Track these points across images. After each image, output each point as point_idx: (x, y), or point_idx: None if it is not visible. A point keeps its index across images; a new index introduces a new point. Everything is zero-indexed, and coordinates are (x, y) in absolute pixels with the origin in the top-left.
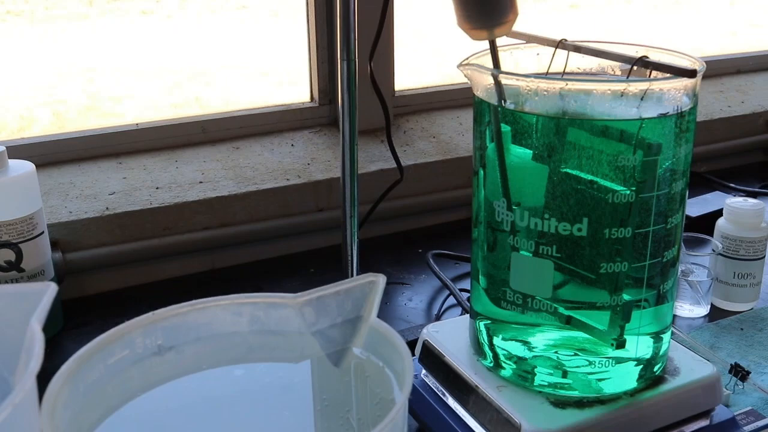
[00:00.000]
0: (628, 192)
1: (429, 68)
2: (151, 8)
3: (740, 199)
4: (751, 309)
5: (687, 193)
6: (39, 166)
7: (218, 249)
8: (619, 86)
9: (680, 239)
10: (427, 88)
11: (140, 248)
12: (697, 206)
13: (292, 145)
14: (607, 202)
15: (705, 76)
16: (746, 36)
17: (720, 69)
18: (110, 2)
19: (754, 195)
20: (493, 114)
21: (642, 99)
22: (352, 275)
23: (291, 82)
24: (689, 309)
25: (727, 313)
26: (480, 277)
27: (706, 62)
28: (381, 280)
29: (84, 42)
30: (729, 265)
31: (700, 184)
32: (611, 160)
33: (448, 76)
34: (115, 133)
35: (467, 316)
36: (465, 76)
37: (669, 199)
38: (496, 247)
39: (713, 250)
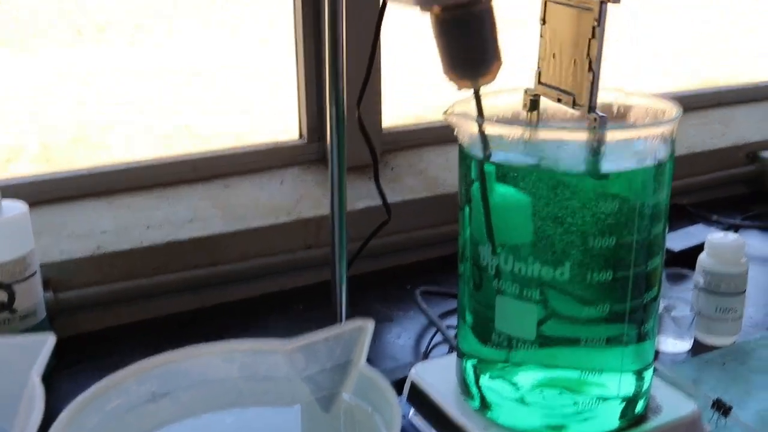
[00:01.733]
0: (607, 238)
1: (419, 98)
2: (140, 38)
3: (721, 234)
4: (734, 343)
5: (666, 234)
6: (31, 204)
7: (208, 287)
8: (600, 136)
9: (660, 279)
10: (414, 124)
11: (131, 287)
12: (679, 240)
13: (282, 182)
14: (587, 248)
15: (687, 109)
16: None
17: (702, 102)
18: (100, 31)
19: (736, 227)
20: (477, 163)
21: (620, 149)
22: (341, 315)
23: (280, 110)
24: (673, 343)
25: (710, 347)
26: (466, 314)
27: (688, 96)
28: (370, 325)
29: (73, 71)
30: (711, 300)
31: (683, 216)
32: (591, 207)
33: (437, 109)
34: (107, 172)
35: (455, 354)
36: (450, 123)
37: (648, 243)
38: (482, 285)
39: (695, 285)
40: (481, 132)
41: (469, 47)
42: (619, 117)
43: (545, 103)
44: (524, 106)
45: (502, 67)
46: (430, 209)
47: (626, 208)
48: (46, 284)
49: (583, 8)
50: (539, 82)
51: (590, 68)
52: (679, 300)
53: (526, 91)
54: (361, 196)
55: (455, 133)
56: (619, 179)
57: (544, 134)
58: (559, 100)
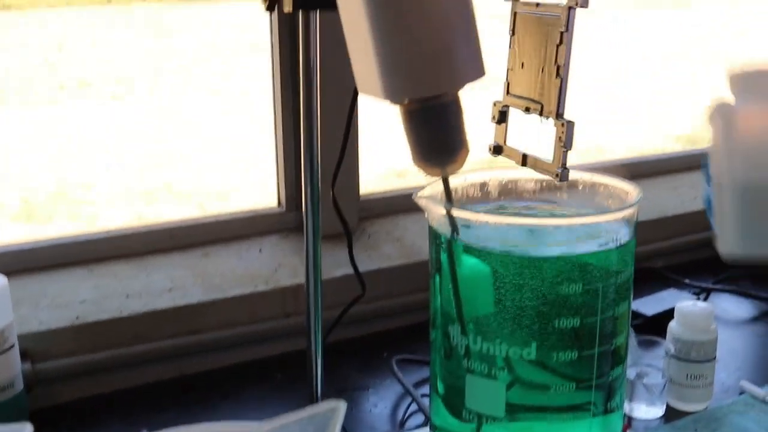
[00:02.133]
0: (572, 318)
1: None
2: (121, 93)
3: (690, 302)
4: (705, 408)
5: (630, 313)
6: (9, 273)
7: (187, 356)
8: (563, 221)
9: (626, 355)
10: (391, 191)
11: (110, 356)
12: (652, 305)
13: (260, 250)
14: (553, 328)
15: (659, 174)
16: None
17: (672, 166)
18: (81, 87)
19: (707, 291)
20: (446, 244)
21: (584, 233)
22: (316, 387)
23: (259, 168)
24: (645, 410)
25: (682, 414)
26: (438, 383)
27: (659, 160)
28: (342, 406)
29: (54, 126)
30: (682, 367)
31: (656, 279)
32: (555, 289)
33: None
34: (87, 241)
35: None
36: (420, 206)
37: (613, 322)
38: (452, 355)
39: (666, 353)
40: (450, 216)
41: (436, 137)
42: (584, 196)
43: (513, 176)
44: (493, 118)
45: (470, 154)
46: (407, 277)
47: (590, 289)
48: (24, 355)
49: (551, 16)
50: (508, 93)
51: (558, 74)
52: (650, 367)
53: (494, 104)
54: (340, 264)
55: (425, 215)
56: (583, 262)
57: (510, 219)
58: (527, 109)
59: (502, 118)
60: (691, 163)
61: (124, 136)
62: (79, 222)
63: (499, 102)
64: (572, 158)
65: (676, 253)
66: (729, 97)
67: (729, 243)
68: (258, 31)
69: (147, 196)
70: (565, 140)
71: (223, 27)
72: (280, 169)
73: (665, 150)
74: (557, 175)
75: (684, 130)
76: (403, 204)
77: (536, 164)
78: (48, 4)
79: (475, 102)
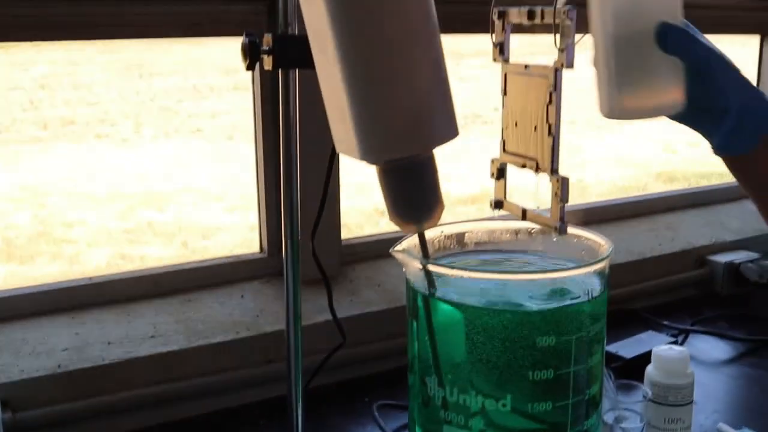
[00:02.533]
0: (545, 371)
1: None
2: (105, 132)
3: (666, 347)
4: None
5: (604, 363)
6: None
7: (169, 403)
8: (536, 276)
9: (601, 403)
10: (372, 236)
11: (92, 404)
12: (631, 347)
13: (242, 296)
14: (528, 380)
15: (636, 215)
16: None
17: (650, 207)
18: (64, 126)
19: (686, 332)
20: (422, 300)
21: (557, 286)
22: None
23: (243, 207)
24: None
25: None
26: (417, 429)
27: (637, 201)
28: None
29: (37, 166)
30: (659, 411)
31: (635, 320)
32: (529, 342)
33: None
34: (69, 288)
35: None
36: (397, 259)
37: (587, 372)
38: (429, 403)
39: (644, 396)
40: (426, 271)
41: (412, 195)
42: (558, 247)
43: (489, 227)
44: (492, 175)
45: (444, 209)
46: (388, 322)
47: (563, 341)
48: (5, 404)
49: (540, 76)
50: (504, 151)
51: (550, 132)
52: (629, 411)
53: (492, 161)
54: (322, 310)
55: (403, 269)
56: (556, 315)
57: (484, 275)
58: (523, 166)
59: (500, 174)
60: (668, 204)
61: (106, 175)
62: (61, 261)
63: (497, 159)
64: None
65: (654, 294)
66: None
67: (606, 102)
68: (241, 71)
69: (130, 236)
70: (561, 195)
71: (205, 67)
72: (262, 216)
73: (647, 186)
74: (556, 229)
75: (663, 167)
76: (384, 248)
77: (536, 218)
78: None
79: None
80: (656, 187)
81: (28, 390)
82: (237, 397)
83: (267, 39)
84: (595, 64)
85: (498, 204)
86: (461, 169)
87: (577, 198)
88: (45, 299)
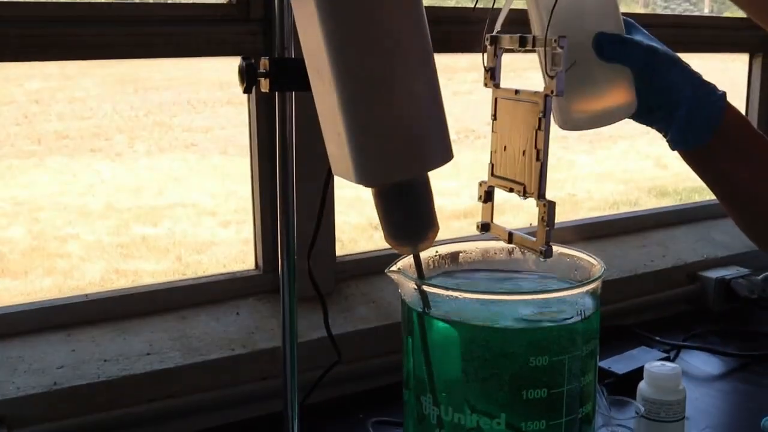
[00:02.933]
0: (539, 390)
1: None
2: (100, 146)
3: (658, 363)
4: None
5: (596, 382)
6: None
7: (165, 421)
8: (529, 296)
9: (594, 421)
10: (367, 252)
11: (88, 422)
12: (623, 363)
13: (238, 313)
14: (521, 399)
15: (628, 231)
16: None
17: (641, 223)
18: (58, 140)
19: (677, 348)
20: (417, 320)
21: (548, 307)
22: None
23: (237, 221)
24: None
25: None
26: None
27: (628, 218)
28: None
29: (30, 180)
30: (652, 427)
31: (627, 336)
32: (523, 361)
33: None
34: (64, 305)
35: None
36: (392, 279)
37: (579, 391)
38: (424, 421)
39: (636, 412)
40: (421, 291)
41: (407, 217)
42: (551, 267)
43: (483, 246)
44: (479, 198)
45: (438, 232)
46: (383, 338)
47: (556, 361)
48: (1, 421)
49: (529, 102)
50: (492, 175)
51: (538, 158)
52: (621, 427)
53: (480, 184)
54: (317, 327)
55: (399, 289)
56: (549, 335)
57: (478, 295)
58: (510, 190)
59: (488, 197)
60: (659, 220)
61: (100, 189)
62: (55, 276)
63: (485, 182)
64: None
65: (645, 310)
66: None
67: (558, 114)
68: (235, 86)
69: (123, 250)
70: (548, 220)
71: (199, 82)
72: (257, 233)
73: (638, 201)
74: (541, 253)
75: (654, 182)
76: (379, 265)
77: (522, 242)
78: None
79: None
80: (647, 201)
81: (24, 407)
82: (233, 414)
83: (264, 62)
84: (543, 77)
85: (485, 227)
86: (455, 183)
87: (568, 213)
88: (41, 316)
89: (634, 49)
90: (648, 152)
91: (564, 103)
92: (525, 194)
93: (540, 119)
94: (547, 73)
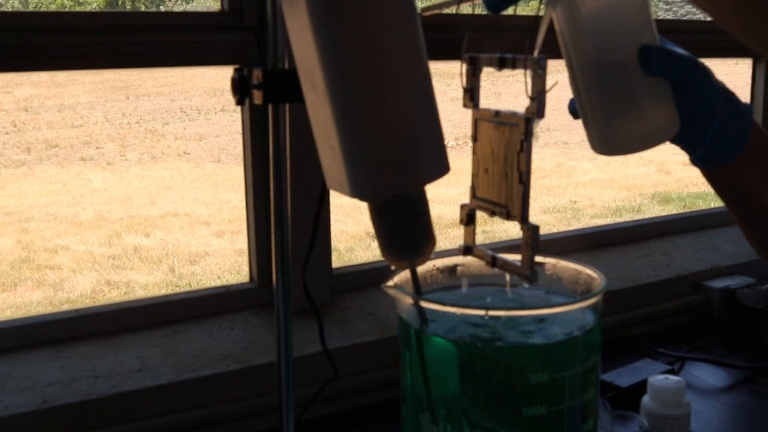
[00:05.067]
0: (539, 407)
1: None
2: (90, 155)
3: (662, 377)
4: None
5: (598, 398)
6: None
7: None
8: (528, 312)
9: None
10: (363, 264)
11: None
12: (627, 376)
13: (232, 328)
14: (521, 415)
15: (631, 241)
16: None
17: (644, 232)
18: (48, 149)
19: (682, 360)
20: (415, 336)
21: (548, 322)
22: None
23: (232, 231)
24: None
25: None
26: None
27: (630, 227)
28: None
29: (20, 190)
30: None
31: (631, 348)
32: (522, 378)
33: None
34: (54, 321)
35: None
36: (389, 295)
37: (581, 407)
38: None
39: (640, 427)
40: (418, 307)
41: (403, 232)
42: (551, 281)
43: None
44: (461, 221)
45: (435, 246)
46: (380, 352)
47: (557, 377)
48: None
49: (510, 124)
50: (474, 197)
51: (521, 181)
52: None
53: (462, 207)
54: (313, 341)
55: (396, 305)
56: (549, 351)
57: (476, 311)
58: (493, 213)
59: (469, 220)
60: (662, 229)
61: (91, 199)
62: (45, 288)
63: (467, 205)
64: (550, 219)
65: (649, 321)
66: None
67: (598, 138)
68: (228, 93)
69: (115, 261)
70: (532, 244)
71: (192, 89)
72: (252, 245)
73: (641, 207)
74: (526, 278)
75: (657, 188)
76: (376, 278)
77: (506, 266)
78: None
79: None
80: (651, 208)
81: (13, 426)
82: (227, 430)
83: (257, 74)
84: (580, 103)
85: (467, 250)
86: (454, 191)
87: (570, 220)
88: (30, 332)
89: (679, 61)
90: (651, 157)
91: (606, 125)
92: (508, 217)
93: (522, 142)
94: (528, 95)
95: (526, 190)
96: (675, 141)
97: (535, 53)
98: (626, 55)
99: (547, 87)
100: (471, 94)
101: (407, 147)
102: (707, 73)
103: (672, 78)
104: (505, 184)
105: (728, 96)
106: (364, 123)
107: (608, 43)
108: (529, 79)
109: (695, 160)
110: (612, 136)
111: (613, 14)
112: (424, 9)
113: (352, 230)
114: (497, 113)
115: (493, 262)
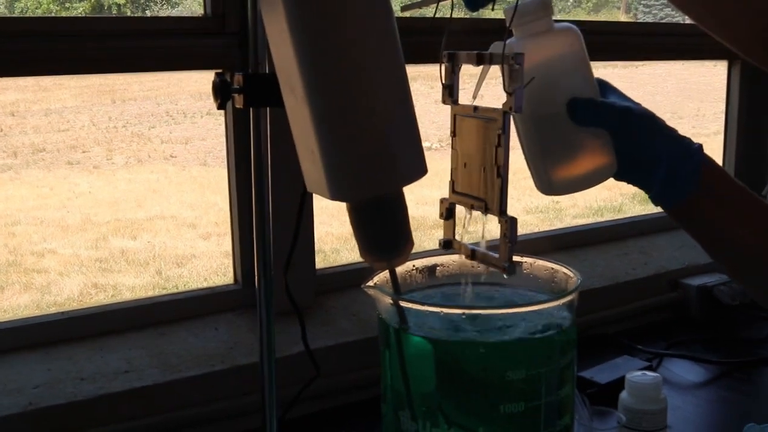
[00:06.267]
0: (516, 404)
1: None
2: (77, 159)
3: (639, 373)
4: None
5: (574, 394)
6: None
7: None
8: (504, 310)
9: None
10: (347, 265)
11: None
12: (605, 373)
13: (216, 329)
14: (499, 413)
15: (609, 240)
16: None
17: (622, 232)
18: (35, 153)
19: (660, 356)
20: (394, 335)
21: (525, 320)
22: None
23: (218, 233)
24: None
25: None
26: None
27: (609, 226)
28: None
29: (7, 194)
30: None
31: (610, 345)
32: (500, 375)
33: None
34: (40, 323)
35: None
36: (369, 294)
37: (558, 404)
38: None
39: (618, 422)
40: (397, 306)
41: (382, 233)
42: (528, 280)
43: (460, 259)
44: (441, 215)
45: (422, 232)
46: (363, 351)
47: (533, 374)
48: None
49: (488, 119)
50: (453, 192)
51: (498, 174)
52: None
53: (441, 201)
54: (297, 341)
55: (376, 304)
56: (526, 348)
57: (454, 310)
58: (472, 207)
59: (449, 214)
60: (640, 228)
61: (78, 202)
62: (32, 291)
63: (446, 200)
64: (532, 219)
65: (628, 318)
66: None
67: (538, 179)
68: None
69: (102, 264)
70: (510, 236)
71: (178, 93)
72: (236, 247)
73: (622, 207)
74: (504, 269)
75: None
76: (359, 278)
77: (484, 258)
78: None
79: None
80: (631, 208)
81: None
82: (212, 430)
83: (238, 78)
84: (522, 148)
85: (447, 244)
86: (437, 192)
87: (553, 221)
88: (16, 335)
89: (608, 111)
90: None
91: (543, 170)
92: (486, 211)
93: (499, 136)
94: (505, 89)
95: (504, 183)
96: (627, 182)
97: (473, 102)
98: (559, 108)
99: (524, 82)
100: (450, 90)
101: (385, 149)
102: (646, 119)
103: (603, 127)
104: (484, 178)
105: (676, 139)
106: (341, 126)
107: (543, 98)
108: (506, 75)
109: (652, 199)
110: (549, 179)
111: (548, 71)
112: (404, 7)
113: (337, 232)
114: (475, 108)
115: (473, 255)
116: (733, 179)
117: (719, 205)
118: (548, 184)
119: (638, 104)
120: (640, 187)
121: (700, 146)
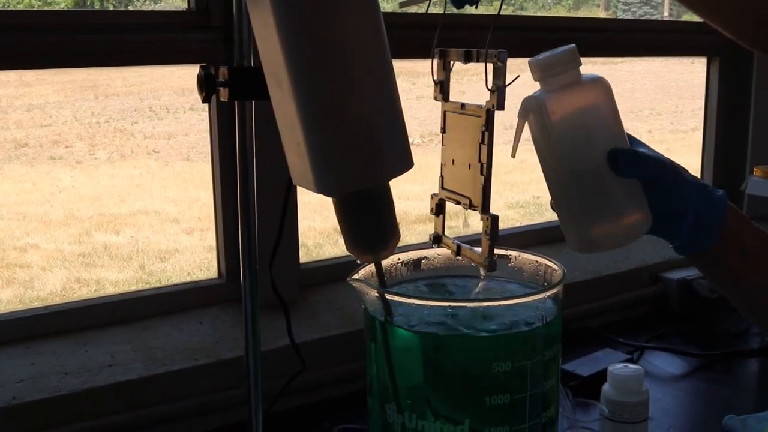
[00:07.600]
0: (502, 396)
1: None
2: (59, 154)
3: (621, 365)
4: None
5: (559, 386)
6: None
7: (129, 431)
8: (490, 303)
9: (556, 427)
10: (331, 259)
11: None
12: (588, 365)
13: (201, 323)
14: (484, 405)
15: None
16: None
17: None
18: (17, 148)
19: (641, 349)
20: (380, 328)
21: (510, 312)
22: None
23: (201, 228)
24: None
25: None
26: None
27: None
28: None
29: None
30: (616, 429)
31: (592, 338)
32: (485, 368)
33: None
34: (23, 318)
35: None
36: (355, 288)
37: (542, 396)
38: (389, 428)
39: (600, 414)
40: (383, 299)
41: (368, 226)
42: (513, 273)
43: (446, 253)
44: (431, 210)
45: (404, 228)
46: (348, 345)
47: (519, 367)
48: None
49: (473, 116)
50: (442, 188)
51: (482, 171)
52: (586, 429)
53: (432, 197)
54: (282, 335)
55: (361, 297)
56: (511, 341)
57: (439, 303)
58: (458, 203)
59: (439, 210)
60: None
61: (61, 197)
62: (15, 286)
63: (436, 195)
64: (513, 214)
65: (609, 312)
66: (536, 91)
67: (576, 238)
68: (196, 92)
69: (85, 259)
70: (491, 233)
71: (161, 88)
72: (219, 241)
73: None
74: (485, 266)
75: None
76: (344, 272)
77: (468, 254)
78: None
79: None
80: None
81: None
82: (198, 424)
83: (223, 71)
84: (557, 204)
85: (436, 239)
86: (420, 188)
87: (534, 215)
88: None
89: (647, 162)
90: None
91: (584, 227)
92: (470, 207)
93: (483, 133)
94: (488, 87)
95: (487, 181)
96: (655, 233)
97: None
98: (597, 161)
99: (508, 80)
100: (441, 87)
101: (371, 142)
102: (676, 170)
103: (641, 177)
104: (469, 175)
105: (702, 188)
106: (327, 119)
107: (581, 152)
108: (490, 72)
109: (676, 249)
110: (588, 237)
111: (582, 121)
112: (402, 4)
113: (320, 227)
114: (463, 105)
115: (458, 250)
116: (755, 226)
117: (742, 252)
118: (589, 240)
119: (661, 154)
120: (666, 238)
121: (725, 194)
